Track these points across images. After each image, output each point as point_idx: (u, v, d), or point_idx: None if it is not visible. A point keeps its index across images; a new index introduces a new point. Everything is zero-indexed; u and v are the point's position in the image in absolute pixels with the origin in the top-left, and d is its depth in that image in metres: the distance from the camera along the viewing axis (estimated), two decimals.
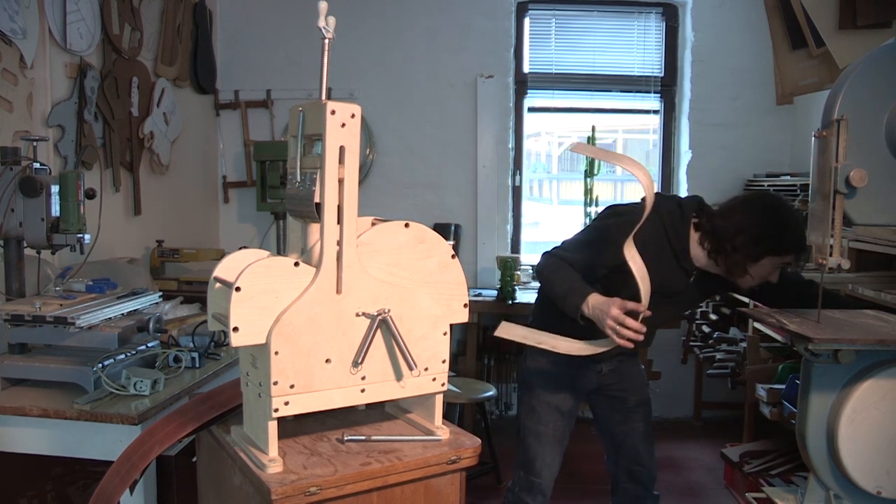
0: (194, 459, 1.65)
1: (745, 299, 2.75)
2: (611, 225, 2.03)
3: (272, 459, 1.28)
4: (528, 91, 4.47)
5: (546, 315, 2.18)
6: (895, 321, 1.89)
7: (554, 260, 2.04)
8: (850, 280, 2.64)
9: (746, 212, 2.01)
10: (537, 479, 2.24)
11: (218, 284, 1.33)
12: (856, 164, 1.69)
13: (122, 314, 2.08)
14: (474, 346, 3.96)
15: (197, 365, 2.17)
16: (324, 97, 1.29)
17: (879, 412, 1.74)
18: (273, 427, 1.29)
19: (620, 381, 2.29)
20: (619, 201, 2.08)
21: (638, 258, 1.80)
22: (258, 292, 1.24)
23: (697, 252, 2.07)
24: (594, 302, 1.86)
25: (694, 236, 2.06)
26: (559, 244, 2.15)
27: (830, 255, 1.73)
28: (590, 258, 2.03)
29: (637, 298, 1.79)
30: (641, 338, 1.80)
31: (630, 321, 1.78)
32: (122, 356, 2.03)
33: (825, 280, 1.89)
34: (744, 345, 3.38)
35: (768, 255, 1.98)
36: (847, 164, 1.69)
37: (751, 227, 1.97)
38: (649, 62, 4.44)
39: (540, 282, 2.11)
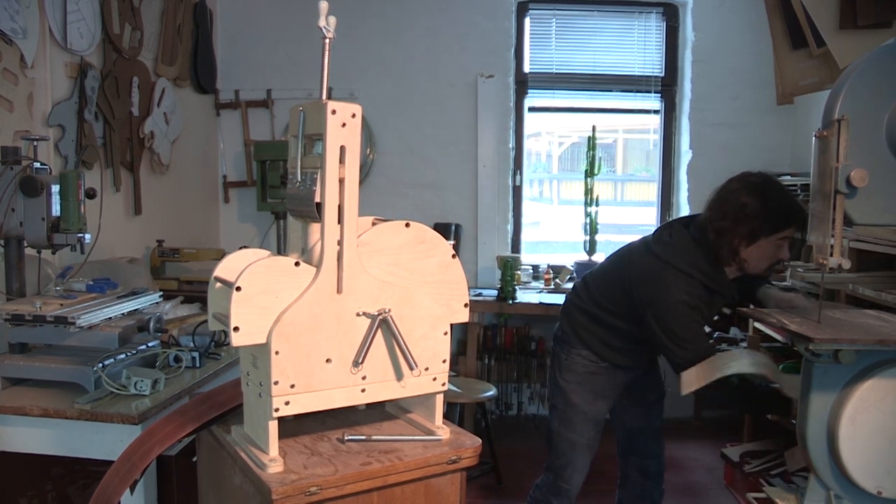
0: (194, 459, 1.65)
1: None
2: (684, 326, 1.99)
3: (273, 459, 1.28)
4: (529, 91, 4.47)
5: (595, 336, 2.22)
6: (895, 321, 1.89)
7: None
8: (850, 280, 2.63)
9: (725, 195, 2.01)
10: (566, 485, 2.26)
11: (218, 284, 1.33)
12: (856, 164, 1.69)
13: (123, 314, 2.08)
14: (475, 346, 3.96)
15: (197, 365, 2.17)
16: (324, 97, 1.29)
17: (880, 412, 1.74)
18: (273, 427, 1.29)
19: (643, 378, 2.33)
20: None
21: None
22: (259, 292, 1.24)
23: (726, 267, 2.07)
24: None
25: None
26: (681, 341, 1.98)
27: (831, 255, 1.73)
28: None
29: None
30: None
31: None
32: (123, 356, 2.03)
33: (826, 281, 1.89)
34: (744, 345, 3.38)
35: (762, 237, 1.95)
36: (848, 164, 1.69)
37: (731, 210, 1.96)
38: (650, 62, 4.44)
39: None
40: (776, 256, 1.99)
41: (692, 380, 1.90)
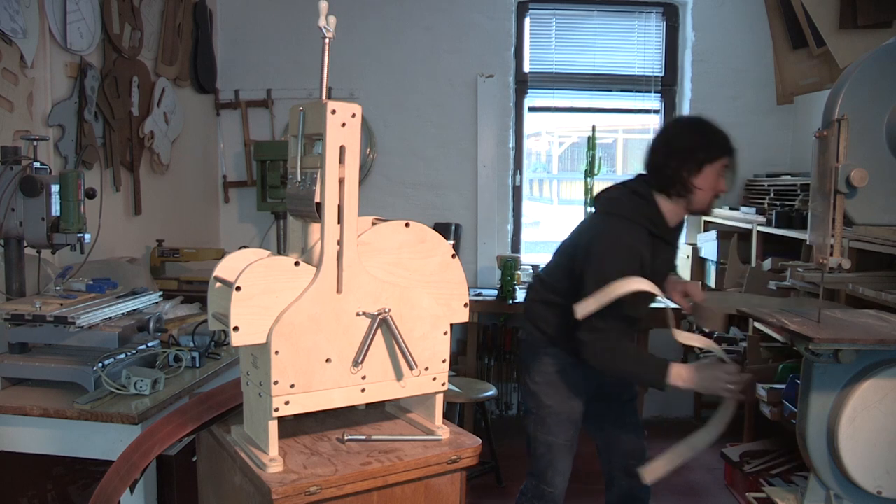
0: (194, 459, 1.65)
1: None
2: (616, 270, 2.03)
3: (272, 459, 1.28)
4: (529, 91, 4.47)
5: (558, 327, 2.22)
6: (895, 321, 1.89)
7: (602, 343, 2.02)
8: (850, 280, 2.63)
9: (667, 138, 2.18)
10: (549, 488, 2.26)
11: (218, 284, 1.33)
12: (856, 163, 1.69)
13: (123, 314, 2.08)
14: (474, 346, 3.96)
15: (197, 364, 2.17)
16: (324, 97, 1.29)
17: (880, 412, 1.74)
18: (273, 427, 1.29)
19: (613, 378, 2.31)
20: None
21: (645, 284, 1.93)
22: (258, 292, 1.24)
23: (665, 210, 2.15)
24: (688, 375, 1.97)
25: (660, 202, 2.15)
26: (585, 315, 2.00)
27: (831, 254, 1.73)
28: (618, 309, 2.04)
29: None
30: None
31: (738, 376, 1.91)
32: (123, 356, 2.03)
33: (826, 281, 1.89)
34: (744, 344, 3.38)
35: (706, 164, 2.10)
36: (847, 163, 1.69)
37: (676, 146, 2.12)
38: (650, 62, 4.44)
39: (605, 370, 2.12)
40: (717, 188, 2.14)
41: (588, 303, 1.95)
